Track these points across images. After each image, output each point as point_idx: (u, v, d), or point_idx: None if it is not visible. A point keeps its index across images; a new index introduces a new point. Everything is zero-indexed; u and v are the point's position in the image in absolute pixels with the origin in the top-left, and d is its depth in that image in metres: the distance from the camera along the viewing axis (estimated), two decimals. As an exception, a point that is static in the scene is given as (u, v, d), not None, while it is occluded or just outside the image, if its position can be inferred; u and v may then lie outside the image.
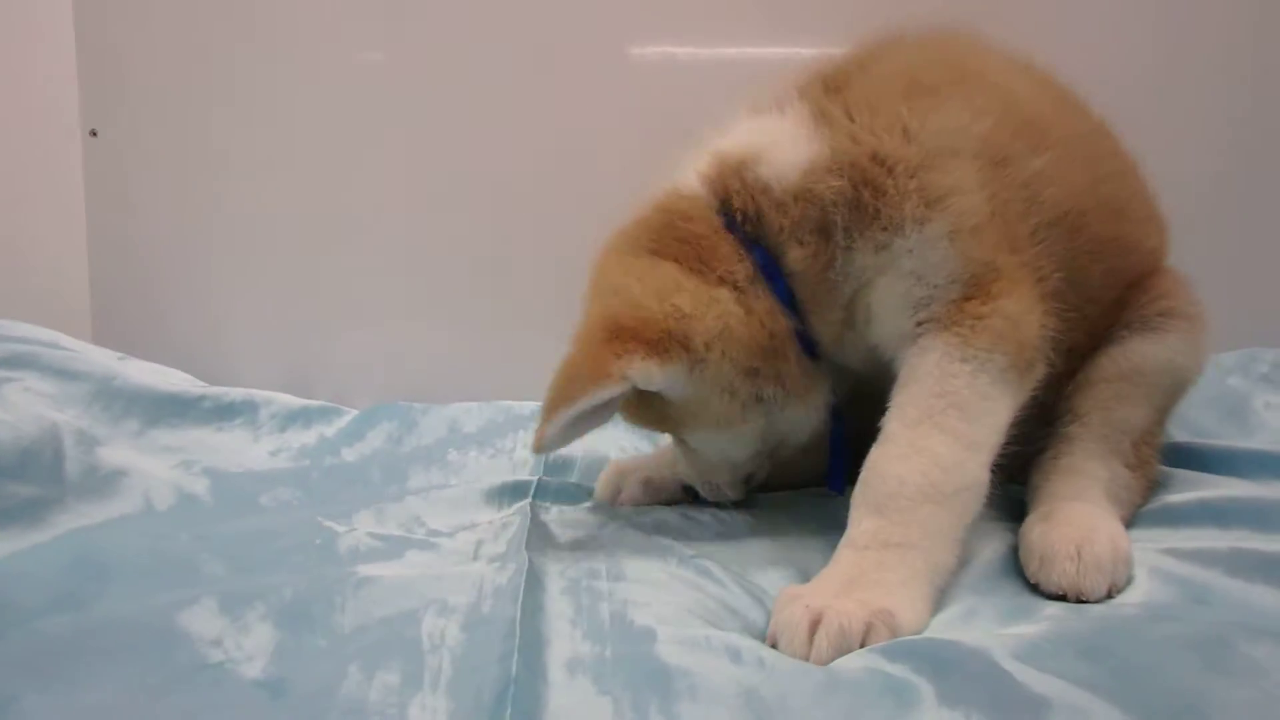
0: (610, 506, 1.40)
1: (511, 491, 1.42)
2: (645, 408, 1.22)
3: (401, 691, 0.78)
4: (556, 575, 1.04)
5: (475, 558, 1.14)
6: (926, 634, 0.91)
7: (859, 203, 1.13)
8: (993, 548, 1.12)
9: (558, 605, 0.96)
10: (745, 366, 1.14)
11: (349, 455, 1.67)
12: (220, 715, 0.76)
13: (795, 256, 1.15)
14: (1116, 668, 0.75)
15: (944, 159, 1.13)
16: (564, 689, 0.78)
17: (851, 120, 1.14)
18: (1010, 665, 0.75)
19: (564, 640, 0.87)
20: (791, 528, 1.28)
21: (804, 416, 1.23)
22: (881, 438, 1.09)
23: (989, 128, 1.18)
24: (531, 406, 1.85)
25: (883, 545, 1.00)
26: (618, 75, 1.88)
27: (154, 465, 1.44)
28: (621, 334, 1.11)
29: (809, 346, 1.20)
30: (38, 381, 1.45)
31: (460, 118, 1.96)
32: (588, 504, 1.42)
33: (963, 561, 1.06)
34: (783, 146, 1.16)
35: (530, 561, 1.06)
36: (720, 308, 1.13)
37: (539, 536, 1.21)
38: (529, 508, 1.32)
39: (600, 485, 1.44)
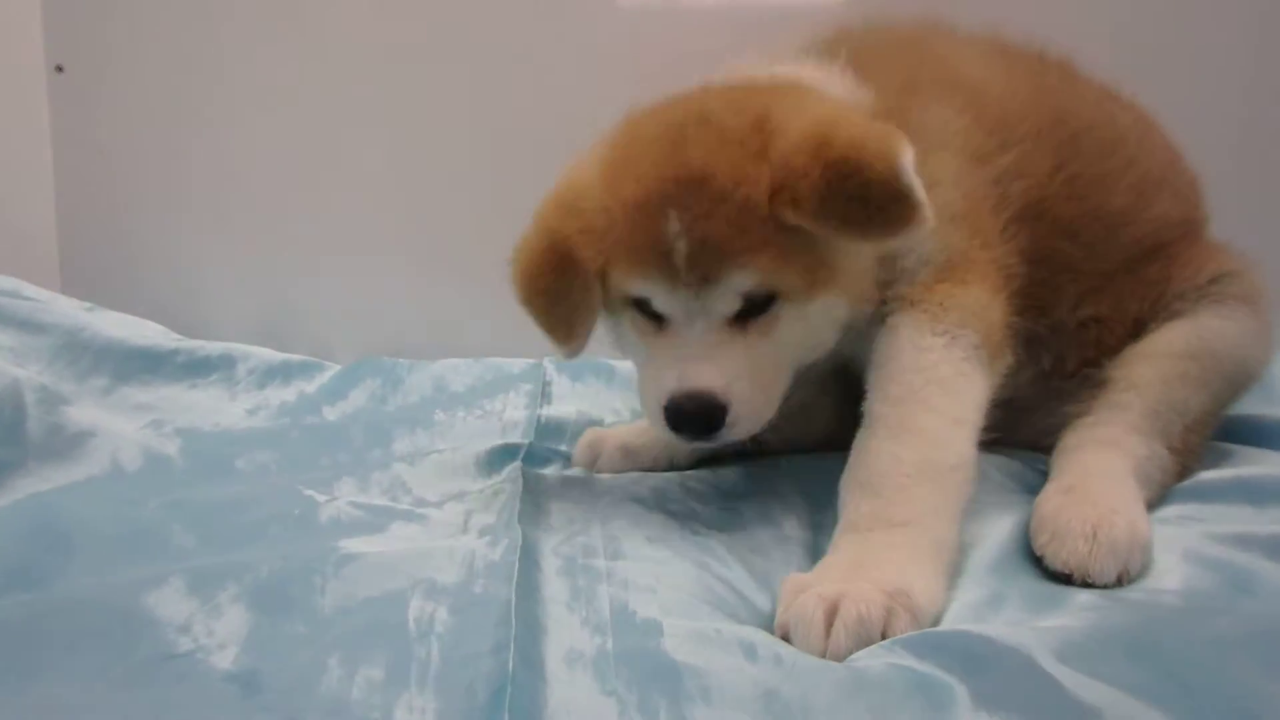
0: (589, 472, 1.36)
1: (501, 456, 1.35)
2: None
3: (386, 689, 0.71)
4: (551, 553, 0.98)
5: (465, 530, 1.07)
6: (953, 625, 0.85)
7: None
8: (1013, 521, 1.07)
9: (554, 587, 0.90)
10: None
11: (330, 414, 1.60)
12: (187, 714, 0.69)
13: None
14: (1169, 671, 0.69)
15: (934, 153, 1.13)
16: (564, 686, 0.72)
17: (877, 97, 1.16)
18: (1053, 668, 0.69)
19: (562, 628, 0.81)
20: (794, 498, 1.22)
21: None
22: (867, 420, 1.08)
23: (967, 125, 1.22)
24: (522, 364, 1.78)
25: (886, 525, 0.97)
26: (608, 24, 1.81)
27: (123, 425, 1.36)
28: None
29: None
30: (-3, 334, 1.36)
31: (448, 62, 1.87)
32: (580, 471, 1.37)
33: (975, 539, 1.02)
34: (839, 89, 1.17)
35: (524, 536, 0.99)
36: None
37: (532, 507, 1.14)
38: (520, 474, 1.25)
39: (578, 451, 1.41)
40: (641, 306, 1.10)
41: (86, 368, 1.44)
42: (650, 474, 1.32)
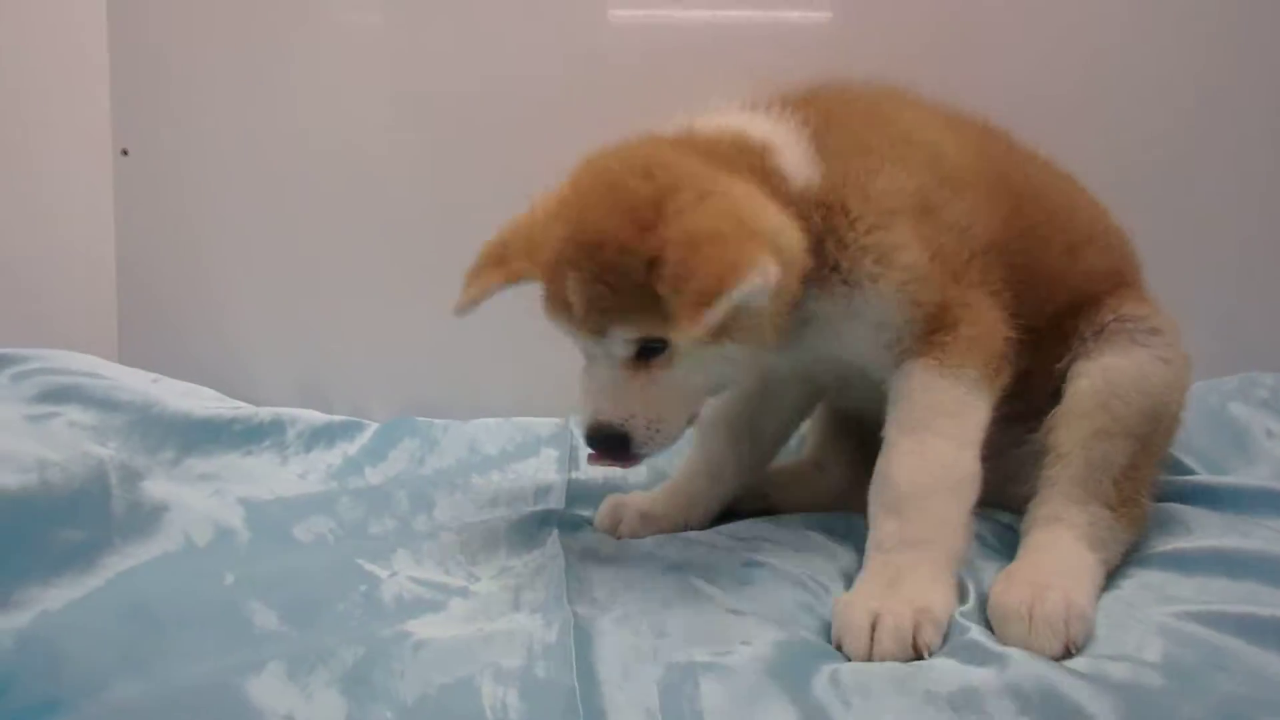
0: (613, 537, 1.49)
1: (539, 524, 1.47)
2: None
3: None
4: (601, 632, 1.08)
5: (517, 607, 1.18)
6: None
7: (821, 249, 1.27)
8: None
9: (608, 668, 1.00)
10: (794, 293, 1.23)
11: (373, 477, 1.71)
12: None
13: None
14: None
15: (889, 218, 1.29)
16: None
17: (832, 163, 1.29)
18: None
19: (620, 713, 0.91)
20: (816, 561, 1.34)
21: (764, 364, 1.36)
22: (886, 446, 1.27)
23: (922, 183, 1.34)
24: (549, 425, 1.89)
25: (908, 545, 1.18)
26: (600, 38, 1.89)
27: (191, 496, 1.46)
28: (756, 236, 1.14)
29: None
30: (80, 414, 1.48)
31: (468, 110, 1.97)
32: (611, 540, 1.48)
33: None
34: (793, 151, 1.30)
35: (575, 615, 1.11)
36: (796, 233, 1.21)
37: (576, 580, 1.25)
38: (559, 545, 1.37)
39: (600, 517, 1.54)
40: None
41: (156, 441, 1.55)
42: (678, 541, 1.43)
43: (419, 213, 2.00)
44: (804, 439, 1.73)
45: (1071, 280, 1.44)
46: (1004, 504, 1.44)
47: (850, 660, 1.06)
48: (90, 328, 1.92)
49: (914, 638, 1.06)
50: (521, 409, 1.97)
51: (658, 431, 1.24)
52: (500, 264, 1.31)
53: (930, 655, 1.06)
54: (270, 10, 1.96)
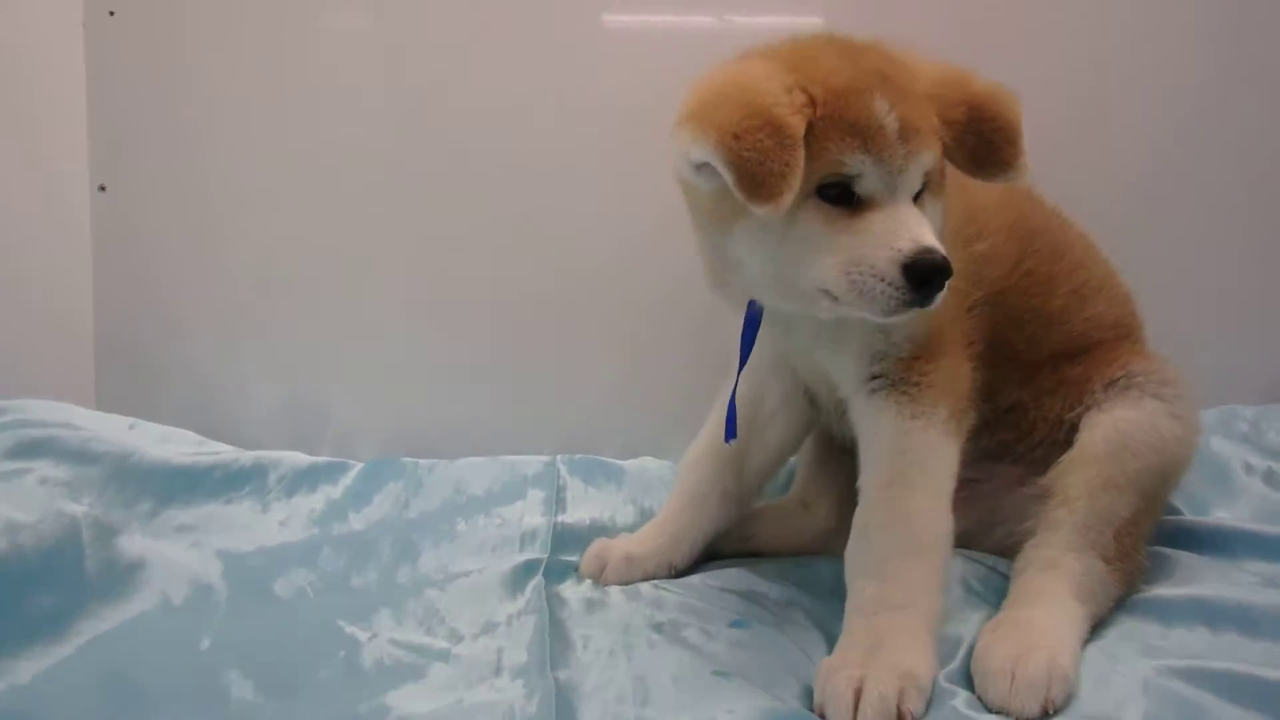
0: (597, 583, 1.49)
1: (523, 574, 1.46)
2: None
3: None
4: (582, 700, 1.08)
5: (498, 671, 1.17)
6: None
7: None
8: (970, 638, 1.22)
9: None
10: None
11: (357, 522, 1.69)
12: None
13: None
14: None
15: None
16: None
17: None
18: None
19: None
20: (800, 617, 1.34)
21: None
22: (861, 504, 1.28)
23: (959, 210, 1.38)
24: (536, 463, 1.88)
25: (889, 608, 1.17)
26: (595, 43, 1.88)
27: (169, 550, 1.45)
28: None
29: None
30: (53, 469, 1.46)
31: (462, 124, 1.95)
32: (591, 585, 1.48)
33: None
34: None
35: (556, 682, 1.10)
36: None
37: (559, 640, 1.24)
38: (543, 599, 1.37)
39: (586, 562, 1.54)
40: (828, 193, 1.18)
41: (134, 493, 1.53)
42: (662, 592, 1.43)
43: (404, 244, 1.98)
44: (793, 473, 1.73)
45: (1075, 324, 1.48)
46: (991, 547, 1.47)
47: (835, 729, 1.05)
48: (67, 368, 1.90)
49: (898, 706, 1.05)
50: (509, 445, 1.95)
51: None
52: (779, 128, 1.12)
53: None
54: (249, 48, 1.94)
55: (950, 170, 1.35)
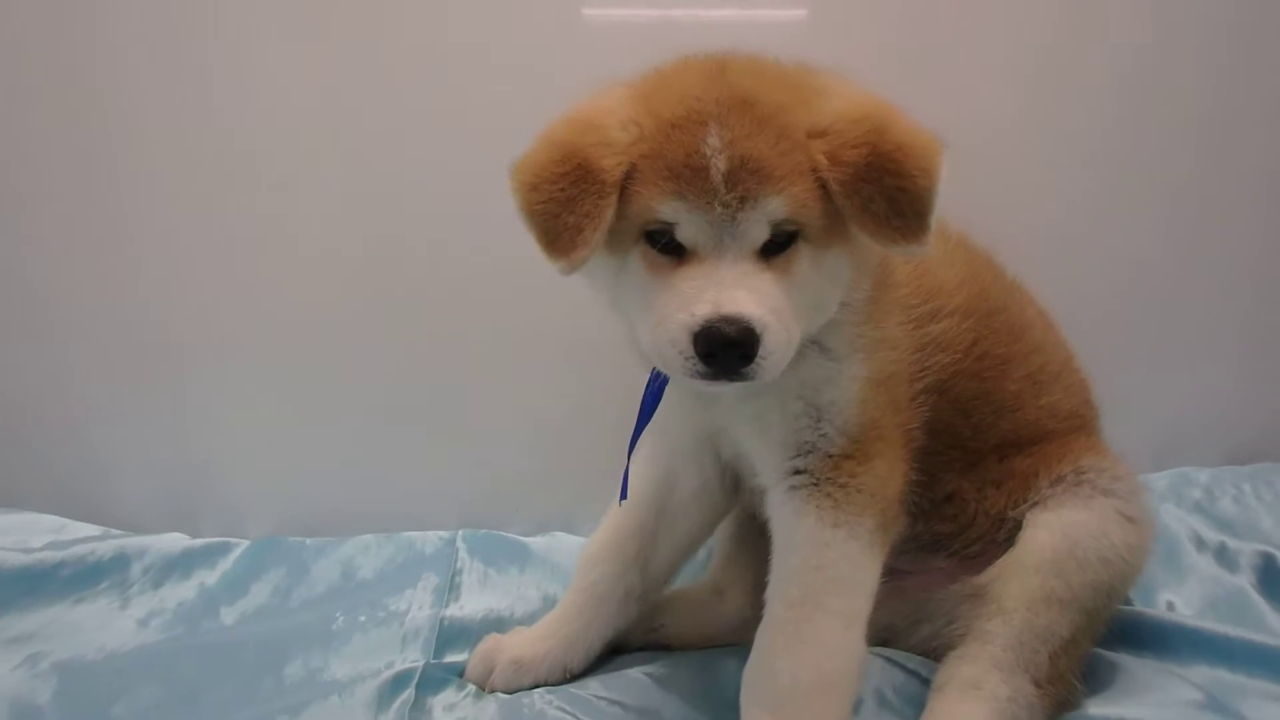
0: (480, 692, 1.35)
1: (392, 690, 1.31)
2: None
3: None
4: None
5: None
6: None
7: None
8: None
9: None
10: None
11: (229, 616, 1.55)
12: None
13: None
14: None
15: (890, 313, 1.21)
16: None
17: None
18: None
19: None
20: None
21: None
22: (767, 620, 1.15)
23: (907, 292, 1.25)
24: (435, 541, 1.74)
25: None
26: (574, 36, 1.75)
27: (-3, 664, 1.31)
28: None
29: None
30: None
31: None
32: (473, 697, 1.34)
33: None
34: None
35: None
36: None
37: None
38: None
39: (472, 665, 1.40)
40: (656, 239, 1.06)
41: (-36, 601, 1.39)
42: (546, 708, 1.28)
43: (299, 300, 1.81)
44: (711, 551, 1.59)
45: (1028, 412, 1.35)
46: (915, 646, 1.34)
47: None
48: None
49: None
50: (410, 516, 1.80)
51: (789, 339, 1.04)
52: (586, 175, 1.03)
53: None
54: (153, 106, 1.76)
55: None
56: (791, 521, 1.18)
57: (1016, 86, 1.78)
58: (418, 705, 1.29)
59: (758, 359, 1.00)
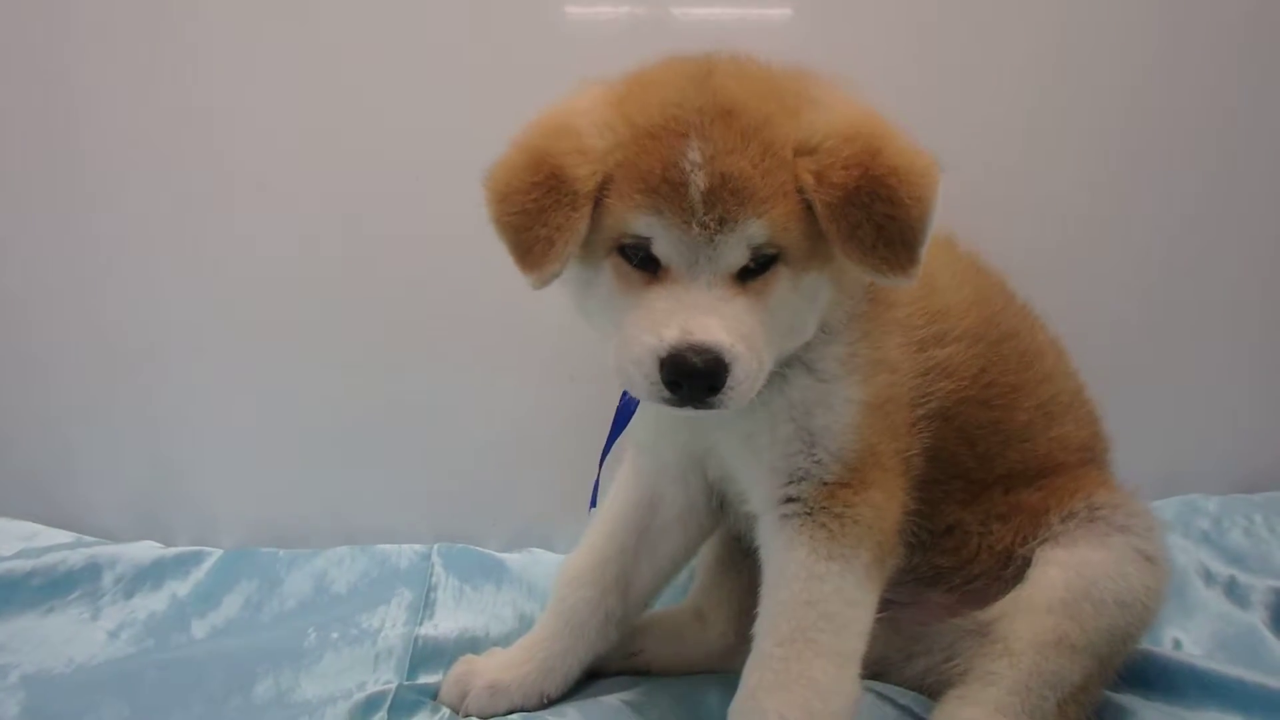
0: (454, 716, 1.31)
1: (365, 711, 1.28)
2: None
3: None
4: None
5: None
6: None
7: None
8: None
9: None
10: None
11: (199, 629, 1.51)
12: None
13: None
14: None
15: (889, 334, 1.16)
16: None
17: None
18: None
19: None
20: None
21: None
22: (754, 657, 1.10)
23: (911, 312, 1.19)
24: (410, 555, 1.69)
25: None
26: (557, 34, 1.71)
27: (-42, 682, 1.27)
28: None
29: None
30: None
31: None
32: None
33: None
34: None
35: None
36: None
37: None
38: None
39: (445, 688, 1.36)
40: (630, 253, 1.01)
41: (-76, 615, 1.35)
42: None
43: (276, 309, 1.76)
44: (693, 573, 1.54)
45: (1038, 444, 1.28)
46: (909, 680, 1.28)
47: None
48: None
49: None
50: (386, 528, 1.76)
51: (759, 368, 0.99)
52: (558, 184, 0.98)
53: None
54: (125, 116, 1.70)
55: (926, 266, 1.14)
56: (783, 553, 1.12)
57: (1009, 87, 1.72)
58: (393, 724, 1.26)
59: (725, 389, 0.96)
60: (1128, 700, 1.26)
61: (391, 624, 1.49)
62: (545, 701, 1.34)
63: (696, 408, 0.97)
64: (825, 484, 1.11)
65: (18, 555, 1.51)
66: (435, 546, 1.69)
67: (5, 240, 1.73)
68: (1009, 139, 1.73)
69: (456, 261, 1.69)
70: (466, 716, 1.31)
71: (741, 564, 1.42)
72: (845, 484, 1.11)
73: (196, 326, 1.76)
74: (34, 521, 1.71)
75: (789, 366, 1.11)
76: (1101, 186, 1.76)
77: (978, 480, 1.26)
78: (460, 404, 1.77)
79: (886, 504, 1.13)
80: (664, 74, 1.06)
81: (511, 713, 1.32)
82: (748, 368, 0.97)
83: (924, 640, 1.28)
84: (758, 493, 1.16)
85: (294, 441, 1.79)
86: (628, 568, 1.36)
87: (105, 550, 1.58)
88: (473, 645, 1.46)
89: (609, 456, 1.37)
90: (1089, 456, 1.31)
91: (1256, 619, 1.47)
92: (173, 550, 1.65)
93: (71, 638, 1.44)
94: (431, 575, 1.61)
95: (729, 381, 0.96)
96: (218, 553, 1.67)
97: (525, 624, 1.49)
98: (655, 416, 1.25)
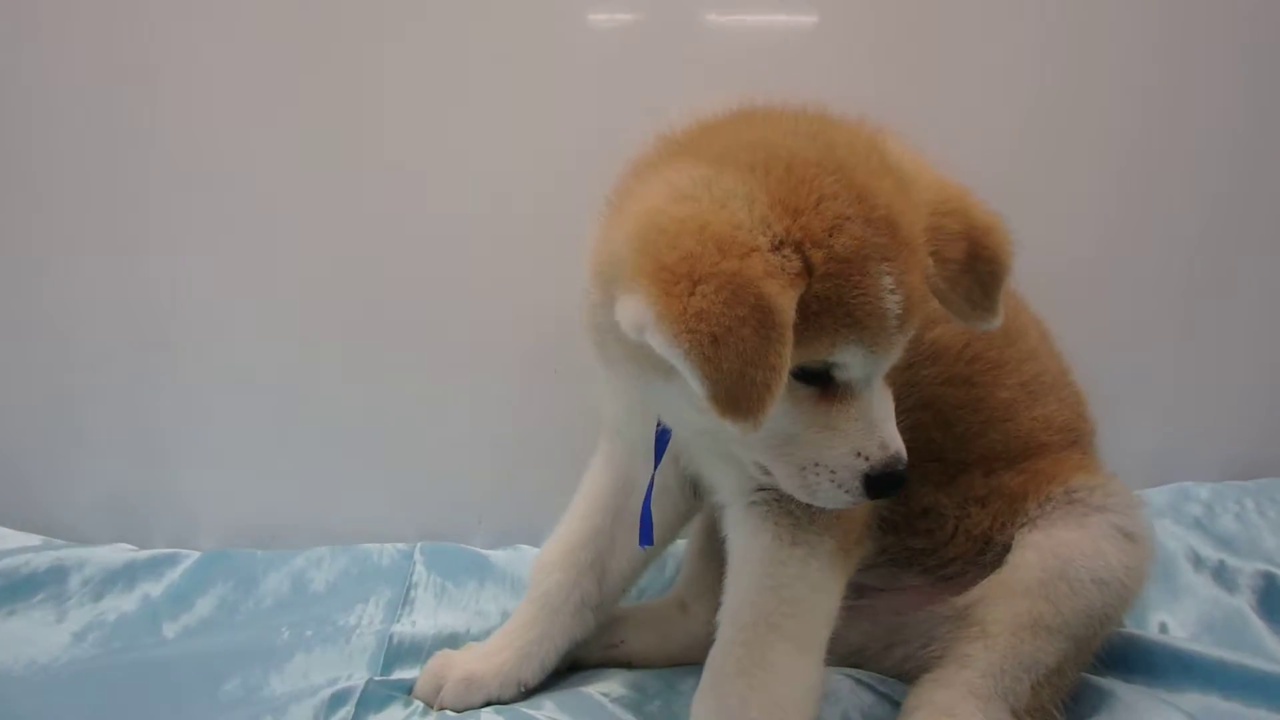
0: (428, 710, 1.28)
1: (331, 706, 1.24)
2: None
3: None
4: None
5: None
6: None
7: None
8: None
9: None
10: None
11: (170, 630, 1.47)
12: None
13: None
14: None
15: None
16: None
17: None
18: None
19: None
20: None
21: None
22: (718, 642, 1.10)
23: None
24: (391, 553, 1.66)
25: None
26: (581, 42, 1.70)
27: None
28: None
29: None
30: None
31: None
32: (419, 715, 1.27)
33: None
34: None
35: None
36: None
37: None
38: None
39: (421, 682, 1.33)
40: (803, 371, 0.95)
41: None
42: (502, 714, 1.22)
43: (254, 300, 1.74)
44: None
45: (1020, 423, 1.26)
46: (889, 669, 1.26)
47: None
48: None
49: None
50: (368, 528, 1.72)
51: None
52: (766, 317, 0.85)
53: None
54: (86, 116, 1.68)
55: None
56: (748, 540, 1.12)
57: (1025, 94, 1.73)
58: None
59: None
60: (1108, 683, 1.23)
61: (368, 621, 1.46)
62: (523, 690, 1.31)
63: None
64: None
65: (-16, 553, 1.48)
66: (419, 545, 1.66)
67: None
68: (1020, 143, 1.74)
69: (437, 260, 1.68)
70: (441, 710, 1.27)
71: (724, 555, 1.40)
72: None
73: (177, 325, 1.73)
74: (7, 526, 1.66)
75: None
76: (1101, 180, 1.77)
77: (955, 462, 1.24)
78: (445, 400, 1.74)
79: None
80: (809, 168, 0.94)
81: (488, 704, 1.28)
82: None
83: (902, 630, 1.26)
84: (727, 485, 1.15)
85: (275, 442, 1.76)
86: (603, 551, 1.33)
87: (73, 553, 1.55)
88: (452, 642, 1.43)
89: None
90: (1073, 438, 1.29)
91: (1243, 602, 1.46)
92: (146, 553, 1.61)
93: (33, 639, 1.39)
94: (412, 573, 1.58)
95: None
96: (194, 555, 1.63)
97: (506, 619, 1.45)
98: (626, 401, 1.24)
